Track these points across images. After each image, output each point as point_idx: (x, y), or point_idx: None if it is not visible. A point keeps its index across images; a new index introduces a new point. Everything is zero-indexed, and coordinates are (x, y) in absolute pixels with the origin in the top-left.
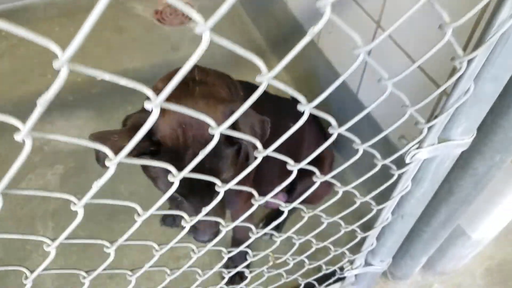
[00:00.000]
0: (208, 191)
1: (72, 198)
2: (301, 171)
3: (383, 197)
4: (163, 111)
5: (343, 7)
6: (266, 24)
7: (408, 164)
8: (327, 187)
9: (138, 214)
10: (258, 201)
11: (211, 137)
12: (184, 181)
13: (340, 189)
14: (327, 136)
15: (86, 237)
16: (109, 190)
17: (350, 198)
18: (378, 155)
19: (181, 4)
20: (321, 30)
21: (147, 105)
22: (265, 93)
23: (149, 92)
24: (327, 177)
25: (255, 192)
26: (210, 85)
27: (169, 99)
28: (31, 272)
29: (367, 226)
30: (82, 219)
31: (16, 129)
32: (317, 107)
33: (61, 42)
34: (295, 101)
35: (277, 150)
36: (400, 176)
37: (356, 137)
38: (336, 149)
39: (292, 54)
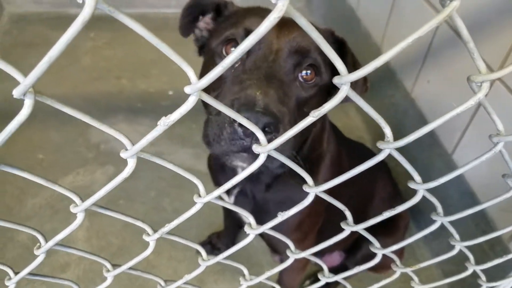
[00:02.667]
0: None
1: (146, 228)
2: (370, 228)
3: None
4: None
5: (453, 54)
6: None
7: None
8: (399, 254)
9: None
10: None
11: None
12: None
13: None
14: (400, 191)
15: (118, 244)
16: (154, 203)
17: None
18: (471, 258)
19: None
20: (418, 77)
21: None
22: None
23: None
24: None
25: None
26: None
27: None
28: None
29: None
30: (118, 224)
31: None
32: (396, 171)
33: (144, 54)
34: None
35: (340, 198)
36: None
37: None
38: (410, 212)
39: None
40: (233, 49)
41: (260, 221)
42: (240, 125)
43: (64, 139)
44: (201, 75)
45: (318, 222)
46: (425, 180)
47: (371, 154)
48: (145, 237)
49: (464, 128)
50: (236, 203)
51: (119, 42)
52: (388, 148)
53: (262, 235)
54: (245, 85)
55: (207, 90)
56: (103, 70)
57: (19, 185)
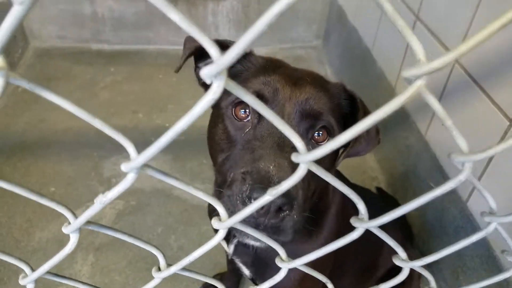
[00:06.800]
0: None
1: None
2: (383, 280)
3: None
4: None
5: (468, 98)
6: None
7: None
8: None
9: (159, 269)
10: None
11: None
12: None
13: None
14: (413, 236)
15: (121, 282)
16: (160, 240)
17: None
18: None
19: None
20: (432, 120)
21: None
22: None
23: None
24: None
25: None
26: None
27: None
28: None
29: None
30: (123, 261)
31: None
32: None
33: (161, 89)
34: (382, 196)
35: (349, 250)
36: None
37: None
38: None
39: None
40: (242, 111)
41: (259, 272)
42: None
43: (76, 173)
44: (209, 129)
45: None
46: (438, 229)
47: (375, 201)
48: None
49: (479, 176)
50: (235, 253)
51: (137, 77)
52: (361, 227)
53: None
54: (257, 155)
55: (216, 152)
56: (121, 105)
57: (29, 218)
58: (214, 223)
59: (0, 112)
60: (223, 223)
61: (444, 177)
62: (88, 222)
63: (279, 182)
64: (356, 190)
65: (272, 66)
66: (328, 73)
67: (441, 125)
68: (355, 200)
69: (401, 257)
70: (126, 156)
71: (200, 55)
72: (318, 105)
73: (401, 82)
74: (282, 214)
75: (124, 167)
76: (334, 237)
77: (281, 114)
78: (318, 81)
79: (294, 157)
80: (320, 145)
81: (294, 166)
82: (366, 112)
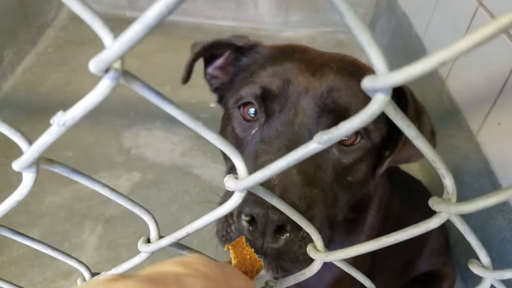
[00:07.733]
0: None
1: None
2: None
3: None
4: None
5: None
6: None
7: None
8: None
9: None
10: None
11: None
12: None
13: None
14: (449, 246)
15: (128, 259)
16: (172, 219)
17: None
18: None
19: None
20: (487, 118)
21: None
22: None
23: None
24: None
25: None
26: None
27: None
28: None
29: None
30: (132, 237)
31: None
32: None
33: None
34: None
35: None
36: None
37: None
38: (458, 269)
39: None
40: (250, 111)
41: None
42: (248, 221)
43: (96, 140)
44: (220, 133)
45: None
46: (479, 241)
47: (428, 195)
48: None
49: None
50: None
51: (169, 48)
52: (447, 212)
53: None
54: (259, 161)
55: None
56: (149, 75)
57: (41, 180)
58: (229, 181)
59: (28, 70)
60: (241, 182)
61: (493, 185)
62: (50, 161)
63: (281, 192)
64: (408, 180)
65: (285, 53)
66: None
67: (497, 124)
68: (442, 172)
69: (484, 263)
70: (149, 128)
71: (208, 59)
72: (345, 98)
73: (452, 75)
74: (283, 236)
75: (93, 66)
76: (376, 237)
77: (295, 111)
78: (348, 67)
79: (368, 81)
80: (351, 148)
81: (306, 173)
82: (417, 107)
